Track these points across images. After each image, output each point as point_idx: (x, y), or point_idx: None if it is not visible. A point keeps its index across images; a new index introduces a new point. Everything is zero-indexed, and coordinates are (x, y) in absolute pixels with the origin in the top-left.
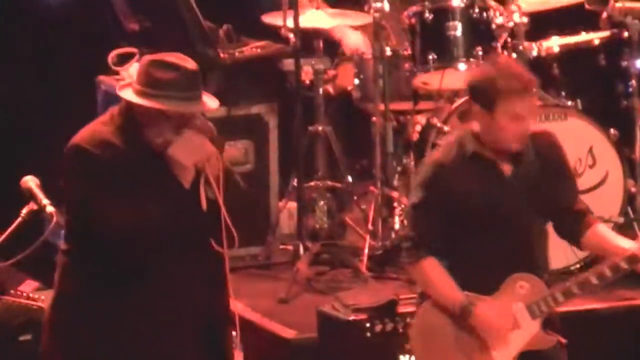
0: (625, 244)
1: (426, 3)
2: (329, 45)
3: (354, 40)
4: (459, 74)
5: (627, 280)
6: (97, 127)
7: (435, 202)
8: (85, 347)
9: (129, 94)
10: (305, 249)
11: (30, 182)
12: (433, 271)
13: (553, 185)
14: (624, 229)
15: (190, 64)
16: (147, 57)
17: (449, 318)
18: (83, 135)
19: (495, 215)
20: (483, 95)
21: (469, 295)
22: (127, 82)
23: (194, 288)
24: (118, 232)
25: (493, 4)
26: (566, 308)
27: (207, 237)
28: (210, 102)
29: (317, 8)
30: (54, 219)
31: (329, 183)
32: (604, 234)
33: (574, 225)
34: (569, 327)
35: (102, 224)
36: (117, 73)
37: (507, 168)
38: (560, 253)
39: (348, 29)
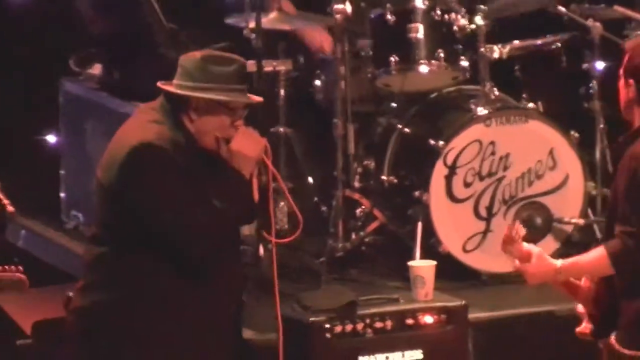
0: None
1: (388, 5)
2: (291, 47)
3: (319, 40)
4: (421, 76)
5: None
6: (155, 126)
7: None
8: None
9: (195, 92)
10: (266, 250)
11: None
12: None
13: None
14: (584, 230)
15: (235, 56)
16: (194, 54)
17: None
18: (148, 134)
19: None
20: None
21: None
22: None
23: (240, 284)
24: (196, 231)
25: (455, 6)
26: (526, 309)
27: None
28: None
29: (280, 10)
30: (15, 219)
31: (290, 185)
32: None
33: None
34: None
35: (182, 221)
36: (78, 74)
37: None
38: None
39: (314, 29)
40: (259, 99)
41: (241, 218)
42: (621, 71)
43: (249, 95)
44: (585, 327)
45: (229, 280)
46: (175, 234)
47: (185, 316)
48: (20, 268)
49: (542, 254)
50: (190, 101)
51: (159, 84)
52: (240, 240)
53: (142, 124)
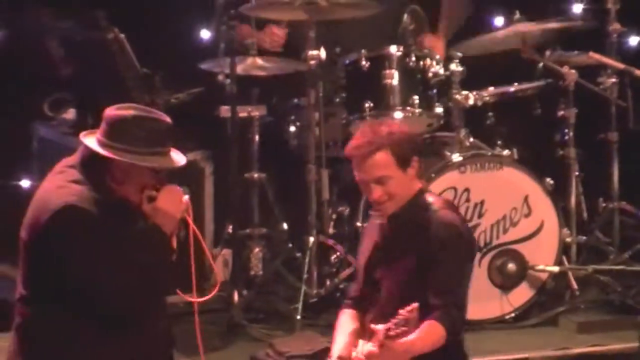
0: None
1: (363, 51)
2: (265, 93)
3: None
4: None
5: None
6: (76, 187)
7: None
8: None
9: (120, 155)
10: (240, 296)
11: None
12: (337, 323)
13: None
14: (558, 278)
15: (163, 116)
16: (118, 113)
17: None
18: (70, 196)
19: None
20: None
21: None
22: (90, 136)
23: (166, 340)
24: (116, 289)
25: (429, 52)
26: (501, 357)
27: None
28: (180, 155)
29: (254, 56)
30: None
31: (264, 230)
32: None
33: None
34: None
35: (103, 280)
36: (52, 119)
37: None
38: (494, 303)
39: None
40: (179, 162)
41: (161, 274)
42: None
43: (172, 157)
44: None
45: (153, 336)
46: (95, 292)
47: None
48: None
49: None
50: (113, 161)
51: (81, 136)
52: (165, 297)
53: (64, 184)
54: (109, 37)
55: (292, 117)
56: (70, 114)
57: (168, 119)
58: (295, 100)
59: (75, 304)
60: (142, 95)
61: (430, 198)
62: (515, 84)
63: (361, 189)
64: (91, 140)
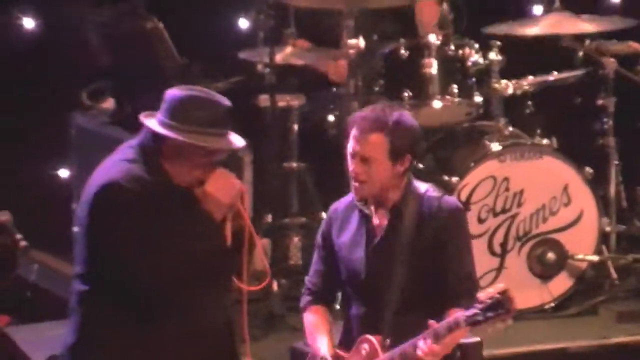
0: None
1: (402, 40)
2: (303, 82)
3: (340, 72)
4: (434, 111)
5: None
6: (126, 165)
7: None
8: None
9: (177, 133)
10: (279, 286)
11: (4, 217)
12: (307, 322)
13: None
14: (597, 267)
15: (223, 99)
16: (178, 93)
17: None
18: (116, 173)
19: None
20: None
21: (336, 351)
22: (150, 117)
23: (216, 326)
24: (158, 273)
25: (469, 41)
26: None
27: (227, 274)
28: (238, 138)
29: (294, 44)
30: (27, 254)
31: (303, 219)
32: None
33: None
34: None
35: (145, 263)
36: (90, 108)
37: (380, 223)
38: (533, 292)
39: (333, 62)
40: (238, 144)
41: (212, 261)
42: None
43: (229, 139)
44: None
45: (206, 325)
46: (128, 273)
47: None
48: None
49: None
50: (168, 140)
51: (141, 117)
52: (222, 286)
53: (114, 162)
54: (148, 26)
55: (331, 106)
56: (109, 103)
57: (227, 102)
58: (334, 89)
59: (119, 285)
60: (181, 84)
61: (422, 185)
62: (555, 72)
63: (347, 159)
64: (151, 121)
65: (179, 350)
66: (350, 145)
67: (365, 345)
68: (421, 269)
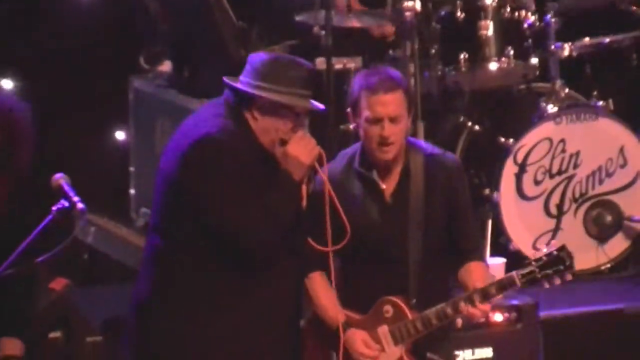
0: (478, 282)
1: (458, 2)
2: (360, 45)
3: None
4: (491, 73)
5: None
6: (221, 120)
7: None
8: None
9: (264, 92)
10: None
11: (62, 179)
12: (316, 287)
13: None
14: None
15: (306, 62)
16: (266, 56)
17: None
18: (213, 127)
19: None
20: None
21: (346, 314)
22: (232, 78)
23: (292, 305)
24: (248, 225)
25: (525, 3)
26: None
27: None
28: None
29: (349, 7)
30: (84, 217)
31: None
32: (470, 270)
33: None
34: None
35: (236, 215)
36: (148, 72)
37: (388, 187)
38: (590, 253)
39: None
40: (321, 106)
41: (288, 221)
42: None
43: (312, 102)
44: None
45: (279, 295)
46: (228, 226)
47: (236, 317)
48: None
49: None
50: (256, 100)
51: (225, 79)
52: (295, 249)
53: (208, 117)
54: None
55: None
56: (167, 66)
57: (310, 65)
58: (391, 52)
59: (203, 238)
60: (238, 48)
61: (418, 142)
62: (611, 34)
63: (368, 130)
64: (237, 83)
65: (258, 315)
66: (373, 112)
67: (388, 307)
68: (436, 227)
